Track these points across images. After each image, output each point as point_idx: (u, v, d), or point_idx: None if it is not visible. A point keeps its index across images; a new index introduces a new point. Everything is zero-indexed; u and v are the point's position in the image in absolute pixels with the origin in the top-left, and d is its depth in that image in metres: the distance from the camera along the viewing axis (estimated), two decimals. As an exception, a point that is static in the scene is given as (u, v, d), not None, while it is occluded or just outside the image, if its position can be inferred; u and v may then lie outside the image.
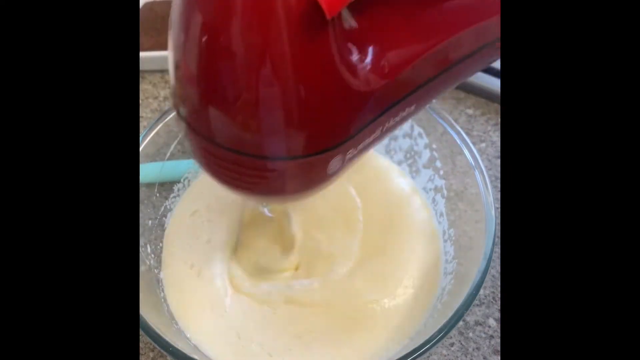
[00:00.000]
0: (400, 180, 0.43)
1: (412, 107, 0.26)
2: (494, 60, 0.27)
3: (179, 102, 0.24)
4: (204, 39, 0.20)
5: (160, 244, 0.39)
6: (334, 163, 0.25)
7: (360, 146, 0.25)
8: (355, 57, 0.22)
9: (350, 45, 0.22)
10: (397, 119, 0.26)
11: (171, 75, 0.23)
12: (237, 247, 0.39)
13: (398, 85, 0.24)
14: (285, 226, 0.38)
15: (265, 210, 0.38)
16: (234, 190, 0.27)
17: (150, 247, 0.38)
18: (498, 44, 0.25)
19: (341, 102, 0.22)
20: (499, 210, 0.39)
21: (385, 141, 0.43)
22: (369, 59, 0.22)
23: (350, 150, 0.25)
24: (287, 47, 0.20)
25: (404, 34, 0.23)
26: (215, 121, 0.23)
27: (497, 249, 0.39)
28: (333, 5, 0.19)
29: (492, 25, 0.24)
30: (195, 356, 0.29)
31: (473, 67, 0.26)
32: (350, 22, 0.22)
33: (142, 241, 0.37)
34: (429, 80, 0.25)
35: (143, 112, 0.51)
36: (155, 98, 0.53)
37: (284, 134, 0.22)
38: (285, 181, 0.25)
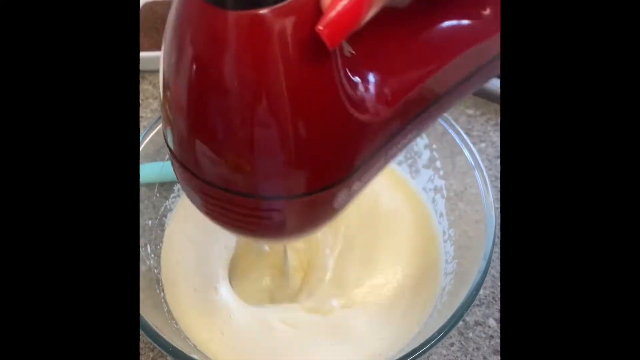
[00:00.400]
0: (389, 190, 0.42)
1: (414, 132, 0.25)
2: (493, 77, 0.25)
3: (173, 135, 0.22)
4: (195, 73, 0.19)
5: (161, 244, 0.39)
6: (341, 197, 0.23)
7: (365, 177, 0.24)
8: (357, 86, 0.21)
9: (350, 74, 0.20)
10: (400, 146, 0.24)
11: (161, 96, 0.22)
12: (230, 278, 0.38)
13: (401, 113, 0.22)
14: (281, 256, 0.37)
15: (265, 246, 0.37)
16: (234, 232, 0.25)
17: (151, 247, 0.38)
18: (496, 62, 0.24)
19: (346, 135, 0.21)
20: (499, 210, 0.39)
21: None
22: (371, 87, 0.21)
23: (356, 183, 0.23)
24: (285, 82, 0.18)
25: (401, 60, 0.22)
26: (209, 159, 0.21)
27: (497, 249, 0.39)
28: (334, 35, 0.17)
29: (490, 46, 0.23)
30: (195, 356, 0.29)
31: (473, 86, 0.25)
32: (347, 49, 0.20)
33: (142, 241, 0.37)
34: (431, 104, 0.24)
35: (143, 112, 0.51)
36: (155, 98, 0.53)
37: (288, 174, 0.21)
38: (291, 220, 0.24)
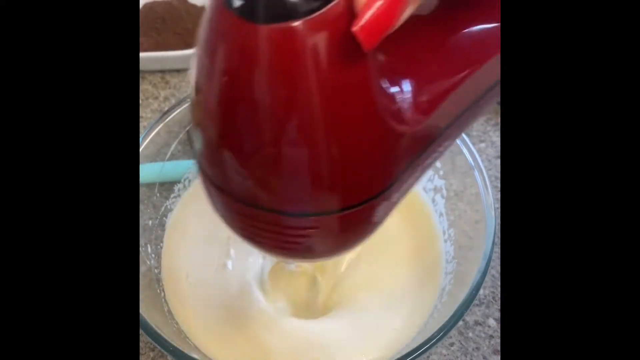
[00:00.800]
0: None
1: (450, 140, 0.24)
2: None
3: (207, 158, 0.21)
4: (226, 87, 0.18)
5: (161, 244, 0.39)
6: (380, 210, 0.23)
7: (404, 188, 0.23)
8: (394, 95, 0.20)
9: (384, 82, 0.20)
10: (436, 154, 0.24)
11: (192, 102, 0.21)
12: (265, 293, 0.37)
13: (437, 120, 0.22)
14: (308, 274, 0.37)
15: (292, 266, 0.36)
16: (273, 253, 0.24)
17: (151, 247, 0.38)
18: None
19: (384, 146, 0.20)
20: (499, 210, 0.39)
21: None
22: (408, 96, 0.20)
23: (395, 195, 0.23)
24: (320, 96, 0.18)
25: (433, 67, 0.21)
26: (252, 181, 0.20)
27: (497, 249, 0.39)
28: (371, 36, 0.17)
29: None
30: (195, 356, 0.29)
31: None
32: (379, 56, 0.19)
33: (142, 241, 0.37)
34: (465, 110, 0.23)
35: (143, 113, 0.51)
36: (156, 98, 0.53)
37: (328, 189, 0.20)
38: (332, 237, 0.23)
